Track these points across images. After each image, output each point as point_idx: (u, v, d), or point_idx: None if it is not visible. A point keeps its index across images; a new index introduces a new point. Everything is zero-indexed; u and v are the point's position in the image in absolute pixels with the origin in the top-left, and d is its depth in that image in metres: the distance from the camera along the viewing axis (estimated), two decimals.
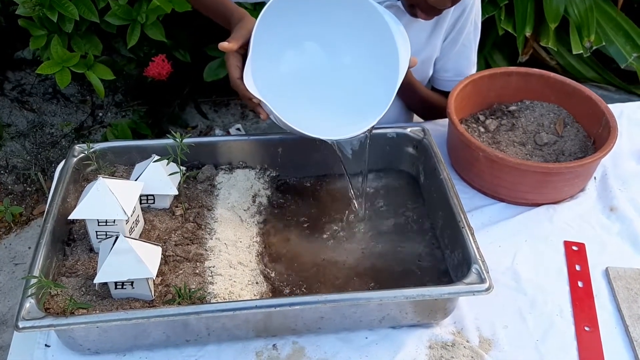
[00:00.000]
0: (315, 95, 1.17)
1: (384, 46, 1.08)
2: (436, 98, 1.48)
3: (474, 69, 1.49)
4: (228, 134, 2.74)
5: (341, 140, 1.08)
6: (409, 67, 1.08)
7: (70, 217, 0.95)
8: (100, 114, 2.83)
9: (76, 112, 2.85)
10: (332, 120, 1.14)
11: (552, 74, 1.33)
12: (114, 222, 0.96)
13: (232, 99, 2.93)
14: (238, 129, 2.76)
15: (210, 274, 0.97)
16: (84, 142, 1.13)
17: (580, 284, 1.07)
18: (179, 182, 1.08)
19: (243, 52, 1.06)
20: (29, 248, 2.28)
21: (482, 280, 0.91)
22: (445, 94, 1.36)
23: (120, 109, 2.86)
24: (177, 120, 2.77)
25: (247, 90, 1.01)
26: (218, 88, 2.88)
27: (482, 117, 1.33)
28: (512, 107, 1.34)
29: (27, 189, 2.53)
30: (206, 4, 1.26)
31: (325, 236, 1.12)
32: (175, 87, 2.68)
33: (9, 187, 2.53)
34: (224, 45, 1.03)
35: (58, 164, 1.14)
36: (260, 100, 1.01)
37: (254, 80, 1.03)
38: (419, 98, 1.47)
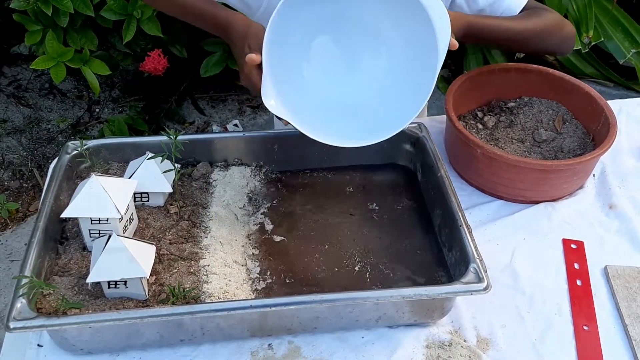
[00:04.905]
0: (344, 92, 1.12)
1: (419, 32, 1.00)
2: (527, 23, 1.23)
3: None
4: (225, 129, 2.73)
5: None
6: (449, 50, 0.99)
7: (63, 215, 0.94)
8: (97, 110, 2.82)
9: (73, 108, 2.84)
10: (363, 121, 1.09)
11: (551, 70, 1.32)
12: (107, 220, 0.94)
13: (230, 95, 2.91)
14: (235, 125, 2.75)
15: (205, 273, 0.96)
16: (80, 138, 1.12)
17: (579, 282, 1.06)
18: (174, 180, 1.07)
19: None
20: (25, 245, 2.27)
21: (480, 280, 0.90)
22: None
23: (117, 104, 2.85)
24: (174, 116, 2.76)
25: None
26: (215, 84, 2.86)
27: (480, 114, 1.32)
28: (511, 104, 1.33)
29: (24, 185, 2.52)
30: (188, 11, 1.17)
31: (321, 233, 1.10)
32: (172, 82, 2.67)
33: (5, 183, 2.52)
34: (251, 57, 0.98)
35: (54, 160, 1.13)
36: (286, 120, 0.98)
37: (278, 91, 1.01)
38: (505, 35, 1.22)
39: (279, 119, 1.03)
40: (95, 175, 0.95)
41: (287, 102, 1.04)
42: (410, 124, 1.19)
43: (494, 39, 1.24)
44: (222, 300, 0.92)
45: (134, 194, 1.03)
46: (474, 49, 2.74)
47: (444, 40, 0.98)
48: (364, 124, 1.08)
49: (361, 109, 1.11)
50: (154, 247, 0.94)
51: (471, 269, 0.92)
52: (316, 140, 1.02)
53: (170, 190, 1.05)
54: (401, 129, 1.01)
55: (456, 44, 1.00)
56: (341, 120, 1.09)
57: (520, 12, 1.25)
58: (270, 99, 1.01)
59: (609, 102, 1.26)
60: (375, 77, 1.12)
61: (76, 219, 0.99)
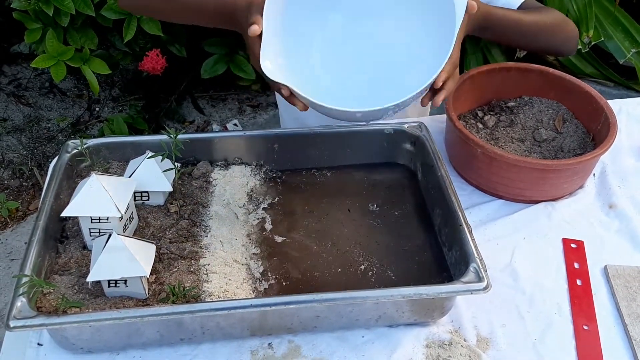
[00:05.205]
0: (348, 56, 1.08)
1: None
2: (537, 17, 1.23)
3: None
4: (225, 129, 2.73)
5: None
6: (468, 13, 0.93)
7: (63, 214, 0.93)
8: (97, 109, 2.82)
9: (73, 107, 2.84)
10: (371, 87, 1.05)
11: (552, 70, 1.32)
12: (107, 219, 0.94)
13: (230, 94, 2.91)
14: (235, 124, 2.75)
15: (205, 272, 0.96)
16: (80, 137, 1.12)
17: (578, 282, 1.06)
18: (174, 179, 1.07)
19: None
20: (25, 243, 2.27)
21: (480, 279, 0.90)
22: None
23: (117, 103, 2.85)
24: (174, 115, 2.76)
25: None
26: (215, 83, 2.86)
27: (480, 113, 1.32)
28: (511, 103, 1.33)
29: (24, 184, 2.52)
30: (194, 8, 1.14)
31: (322, 232, 1.10)
32: (172, 81, 2.67)
33: (5, 182, 2.52)
34: (253, 28, 0.94)
35: (54, 159, 1.13)
36: (284, 86, 0.93)
37: (282, 63, 0.97)
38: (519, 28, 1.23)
39: (276, 87, 0.98)
40: (96, 174, 0.94)
41: (288, 68, 1.00)
42: (411, 122, 1.19)
43: (506, 33, 1.23)
44: (222, 299, 0.93)
45: (134, 192, 1.03)
46: (474, 49, 2.74)
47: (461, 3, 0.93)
48: (372, 90, 1.05)
49: (369, 75, 1.07)
50: (154, 246, 0.94)
51: (471, 268, 0.92)
52: (313, 102, 0.96)
53: (170, 189, 1.05)
54: (409, 97, 0.95)
55: (475, 6, 0.94)
56: (345, 87, 1.06)
57: (518, 10, 1.25)
58: (266, 60, 0.96)
59: (609, 101, 1.26)
60: (384, 41, 1.08)
61: (76, 217, 0.99)
